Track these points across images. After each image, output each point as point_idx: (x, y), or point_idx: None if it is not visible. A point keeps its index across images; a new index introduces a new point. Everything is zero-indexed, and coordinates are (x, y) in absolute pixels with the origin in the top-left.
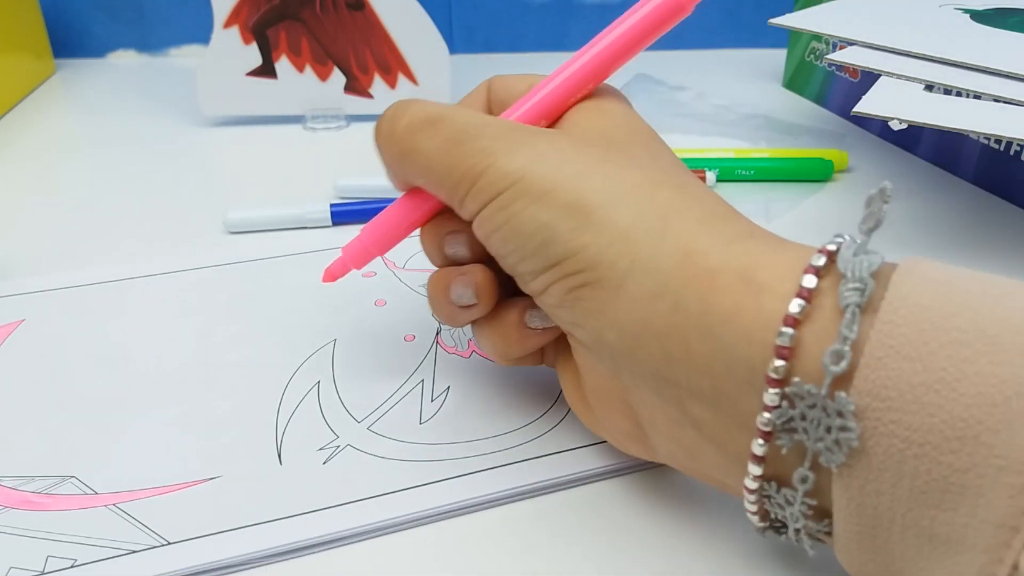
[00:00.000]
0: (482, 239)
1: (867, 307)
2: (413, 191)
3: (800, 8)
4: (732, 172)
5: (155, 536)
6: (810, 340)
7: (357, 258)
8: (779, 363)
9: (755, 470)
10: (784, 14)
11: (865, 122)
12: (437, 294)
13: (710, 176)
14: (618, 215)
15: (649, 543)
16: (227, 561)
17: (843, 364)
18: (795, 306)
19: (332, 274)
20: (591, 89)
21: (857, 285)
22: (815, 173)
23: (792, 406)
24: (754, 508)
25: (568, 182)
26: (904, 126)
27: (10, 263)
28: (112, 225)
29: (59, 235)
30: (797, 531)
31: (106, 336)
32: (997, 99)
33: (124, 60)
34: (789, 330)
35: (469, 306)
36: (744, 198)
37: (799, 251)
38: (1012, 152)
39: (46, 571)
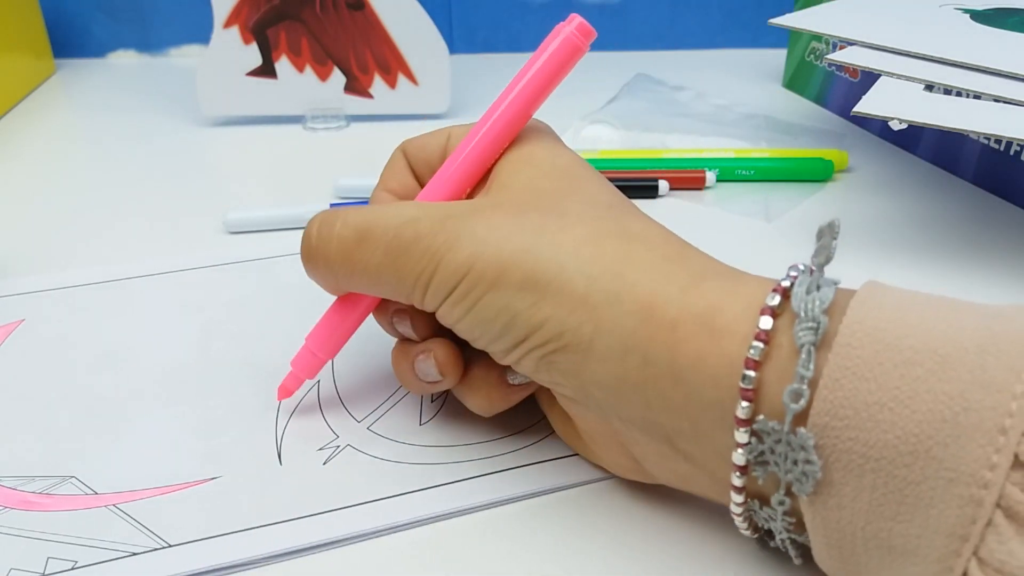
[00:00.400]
0: (449, 326)
1: (822, 343)
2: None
3: (800, 8)
4: (732, 172)
5: (156, 538)
6: (771, 379)
7: (308, 368)
8: (744, 404)
9: (737, 498)
10: (784, 14)
11: (865, 122)
12: (403, 371)
13: (710, 176)
14: (572, 282)
15: (649, 543)
16: (228, 563)
17: (802, 402)
18: (754, 349)
19: (286, 390)
20: (512, 138)
21: (810, 324)
22: (815, 173)
23: (761, 441)
24: (744, 524)
25: (516, 260)
26: (904, 126)
27: (10, 263)
28: (112, 225)
29: (59, 235)
30: (783, 541)
31: (106, 336)
32: (997, 99)
33: (124, 60)
34: (751, 372)
35: (437, 381)
36: (744, 198)
37: (755, 288)
38: (1012, 152)
39: (47, 573)
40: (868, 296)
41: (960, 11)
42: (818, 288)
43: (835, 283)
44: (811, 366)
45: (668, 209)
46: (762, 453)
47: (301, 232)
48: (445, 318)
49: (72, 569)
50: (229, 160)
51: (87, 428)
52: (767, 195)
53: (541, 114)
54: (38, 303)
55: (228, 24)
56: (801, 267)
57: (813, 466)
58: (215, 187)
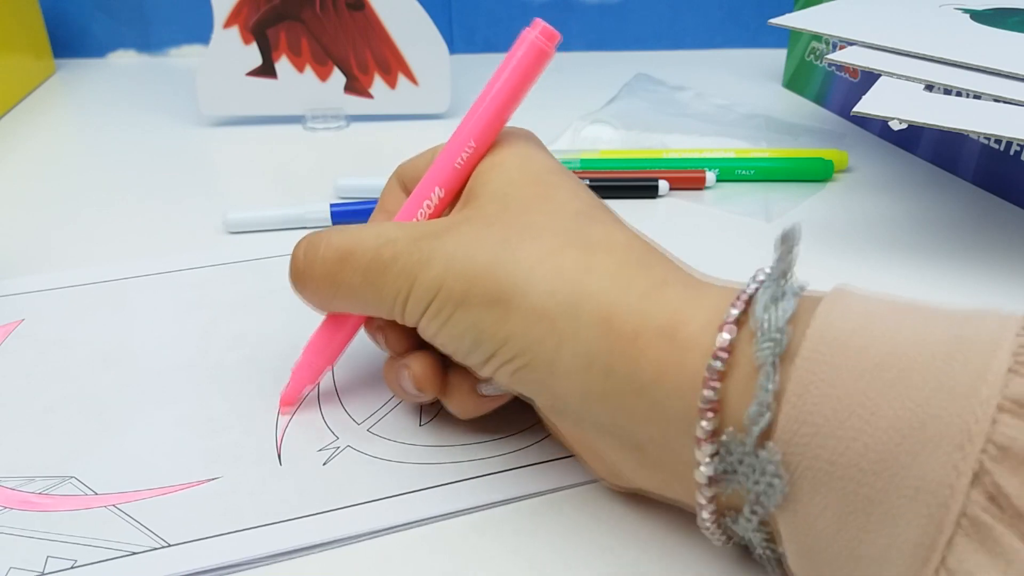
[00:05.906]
0: (429, 341)
1: (787, 353)
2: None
3: (800, 8)
4: (732, 172)
5: (155, 538)
6: (734, 393)
7: (308, 376)
8: (708, 419)
9: (707, 509)
10: (784, 14)
11: (865, 122)
12: (391, 383)
13: (710, 176)
14: (533, 296)
15: (651, 541)
16: (227, 563)
17: (765, 419)
18: (716, 363)
19: (288, 400)
20: (485, 149)
21: (772, 337)
22: (815, 173)
23: (729, 453)
24: (717, 535)
25: (480, 276)
26: (904, 126)
27: (10, 263)
28: (112, 225)
29: (59, 235)
30: (762, 555)
31: (106, 336)
32: (997, 99)
33: (124, 60)
34: (712, 388)
35: (417, 394)
36: (744, 198)
37: (718, 298)
38: (1012, 152)
39: (46, 572)
40: (835, 302)
41: (960, 11)
42: (782, 297)
43: (801, 289)
44: (775, 379)
45: (668, 209)
46: (729, 465)
47: (301, 232)
48: (424, 333)
49: (71, 568)
50: (229, 160)
51: (87, 428)
52: (767, 195)
53: (529, 115)
54: (38, 303)
55: (228, 24)
56: (767, 271)
57: (780, 480)
58: (215, 187)
